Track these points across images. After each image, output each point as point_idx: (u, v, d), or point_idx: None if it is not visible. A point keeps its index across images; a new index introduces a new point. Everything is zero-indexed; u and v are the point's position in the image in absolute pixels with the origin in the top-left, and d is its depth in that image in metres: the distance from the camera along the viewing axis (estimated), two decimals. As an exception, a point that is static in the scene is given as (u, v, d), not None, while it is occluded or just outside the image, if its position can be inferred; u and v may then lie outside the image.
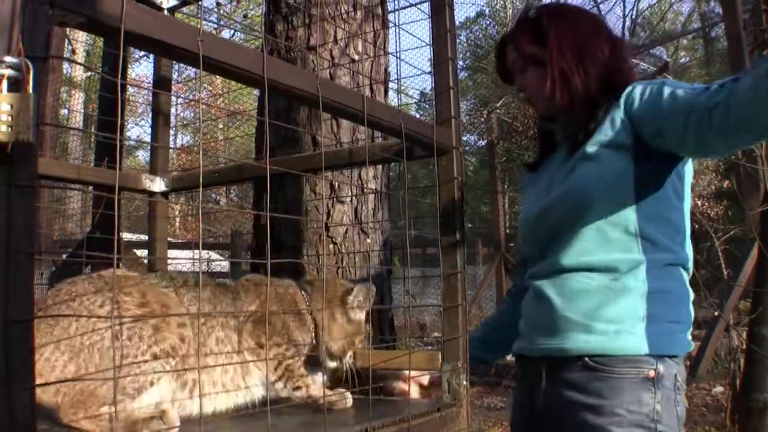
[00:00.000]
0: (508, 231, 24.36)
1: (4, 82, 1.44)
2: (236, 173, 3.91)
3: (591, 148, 2.67)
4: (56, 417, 2.34)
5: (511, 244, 22.76)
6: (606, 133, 2.66)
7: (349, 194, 4.28)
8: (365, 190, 4.34)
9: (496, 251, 20.44)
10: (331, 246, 4.25)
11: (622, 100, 2.67)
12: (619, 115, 2.65)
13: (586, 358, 2.59)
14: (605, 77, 2.75)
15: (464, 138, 30.08)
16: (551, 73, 2.79)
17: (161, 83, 4.16)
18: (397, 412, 2.65)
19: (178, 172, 4.31)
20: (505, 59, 3.10)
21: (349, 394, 2.82)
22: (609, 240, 2.62)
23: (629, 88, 2.68)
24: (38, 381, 2.26)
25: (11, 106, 1.43)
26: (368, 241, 4.38)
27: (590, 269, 2.64)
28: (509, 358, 9.09)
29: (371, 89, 4.49)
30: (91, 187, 4.68)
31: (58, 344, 2.33)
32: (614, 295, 2.58)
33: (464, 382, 2.93)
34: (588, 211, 2.62)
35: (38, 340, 2.31)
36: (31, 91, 1.46)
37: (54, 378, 2.31)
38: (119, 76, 4.25)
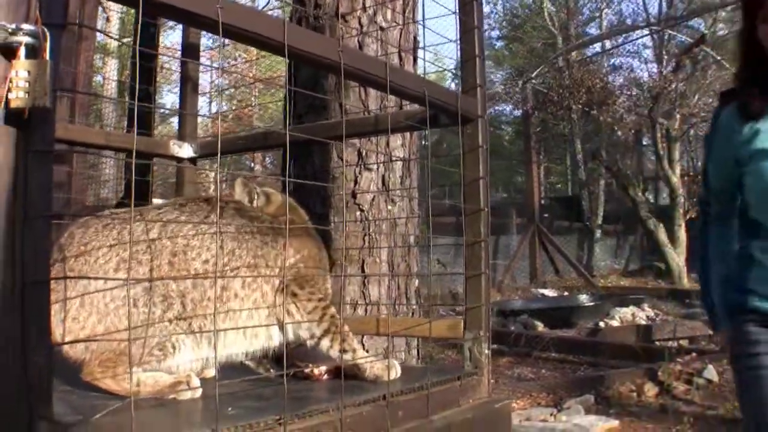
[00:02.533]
0: (543, 202, 24.24)
1: (22, 49, 1.46)
2: (263, 140, 3.92)
3: None
4: (81, 374, 2.38)
5: (545, 215, 22.64)
6: None
7: (377, 162, 4.28)
8: (392, 158, 4.34)
9: (530, 222, 20.32)
10: (358, 213, 4.26)
11: None
12: None
13: None
14: None
15: (499, 108, 29.90)
16: None
17: (189, 50, 4.18)
18: (416, 379, 2.66)
19: (207, 139, 4.32)
20: None
21: (397, 363, 2.80)
22: None
23: None
24: (68, 338, 2.33)
25: (28, 72, 1.45)
26: (395, 209, 4.38)
27: None
28: (541, 328, 9.02)
29: (400, 57, 4.47)
30: (123, 154, 4.72)
31: (83, 302, 2.37)
32: None
33: (486, 351, 2.94)
34: None
35: (58, 295, 2.34)
36: (48, 57, 1.47)
37: (84, 336, 2.37)
38: (136, 43, 4.26)
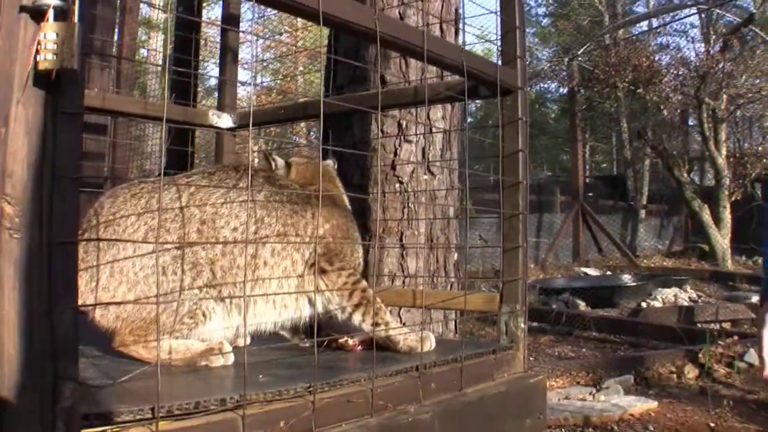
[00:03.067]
0: (587, 180, 24.08)
1: (51, 12, 1.45)
2: (302, 110, 3.91)
3: None
4: (113, 343, 2.40)
5: (590, 194, 22.50)
6: None
7: (417, 134, 4.25)
8: (433, 129, 4.31)
9: (574, 200, 20.19)
10: (397, 185, 4.24)
11: None
12: None
13: None
14: None
15: (545, 85, 29.76)
16: None
17: (229, 21, 4.18)
18: (450, 352, 2.64)
19: (247, 109, 4.32)
20: None
21: (432, 336, 2.78)
22: None
23: None
24: (100, 311, 2.35)
25: (57, 34, 1.44)
26: (434, 181, 4.35)
27: None
28: (582, 307, 9.05)
29: (441, 29, 4.43)
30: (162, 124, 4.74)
31: (113, 271, 2.39)
32: None
33: (522, 325, 2.91)
34: None
35: (88, 264, 2.37)
36: (76, 20, 1.47)
37: (115, 306, 2.38)
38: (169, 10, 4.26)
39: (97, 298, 2.37)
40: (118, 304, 2.37)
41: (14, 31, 1.43)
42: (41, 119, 1.45)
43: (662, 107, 20.17)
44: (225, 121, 4.03)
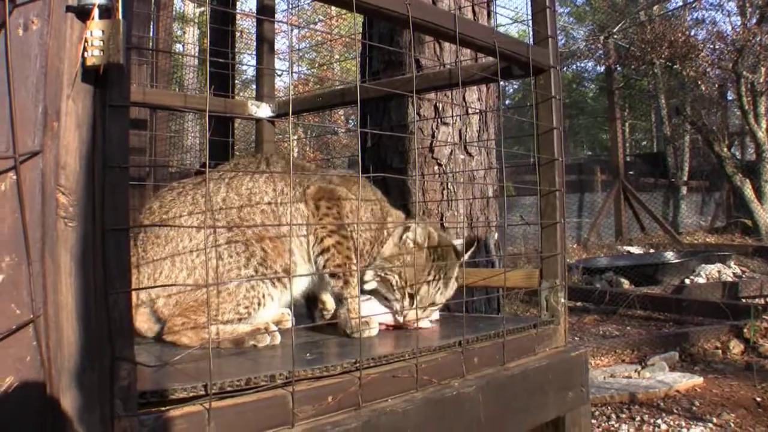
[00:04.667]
0: (628, 159, 23.89)
1: (96, 11, 1.51)
2: (340, 97, 3.96)
3: None
4: (163, 335, 2.49)
5: (631, 172, 22.33)
6: None
7: (453, 116, 4.30)
8: (469, 111, 4.35)
9: (615, 178, 20.06)
10: (436, 167, 4.29)
11: None
12: None
13: None
14: None
15: (582, 64, 29.52)
16: None
17: (264, 12, 4.24)
18: (492, 328, 2.70)
19: (285, 98, 4.38)
20: None
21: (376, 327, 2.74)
22: None
23: None
24: (163, 300, 2.43)
25: (102, 31, 1.50)
26: (473, 162, 4.39)
27: None
28: (626, 285, 9.05)
29: (473, 12, 4.47)
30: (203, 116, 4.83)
31: (174, 262, 2.49)
32: None
33: (562, 300, 2.96)
34: None
35: (152, 255, 2.50)
36: (120, 17, 1.53)
37: (176, 293, 2.49)
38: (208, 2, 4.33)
39: (164, 289, 2.49)
40: (166, 286, 2.46)
41: (62, 30, 1.49)
42: (90, 113, 1.52)
43: (700, 82, 19.98)
44: (264, 110, 4.09)
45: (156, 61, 7.21)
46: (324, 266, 2.69)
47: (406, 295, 2.79)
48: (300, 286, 2.80)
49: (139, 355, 1.65)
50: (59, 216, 1.47)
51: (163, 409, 1.66)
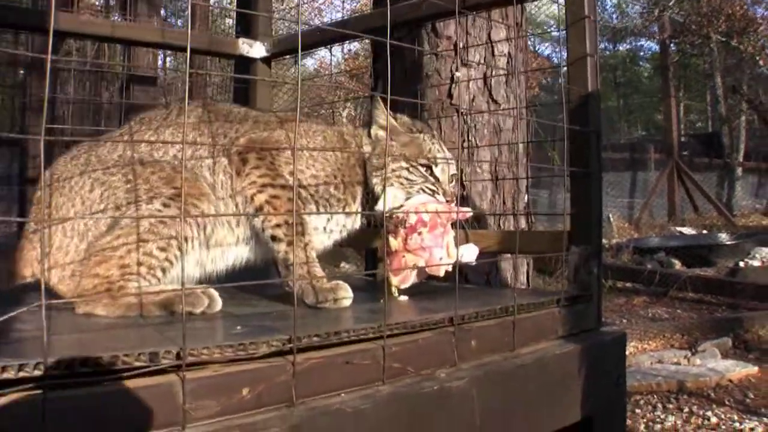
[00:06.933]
0: (682, 139, 23.34)
1: None
2: (341, 28, 3.39)
3: None
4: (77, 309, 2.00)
5: (684, 152, 21.77)
6: None
7: (477, 56, 3.69)
8: (495, 53, 3.73)
9: (668, 157, 19.50)
10: (455, 116, 3.68)
11: None
12: None
13: None
14: None
15: (638, 43, 28.93)
16: None
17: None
18: (498, 302, 2.07)
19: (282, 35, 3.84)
20: None
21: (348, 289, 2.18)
22: None
23: None
24: (56, 272, 2.06)
25: None
26: (499, 112, 3.77)
27: None
28: (678, 266, 8.79)
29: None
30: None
31: (65, 230, 2.15)
32: None
33: (594, 270, 2.34)
34: None
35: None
36: None
37: (70, 260, 2.12)
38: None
39: (53, 261, 2.11)
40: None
41: None
42: None
43: (758, 59, 19.37)
44: (258, 50, 3.54)
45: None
46: (263, 229, 2.25)
47: (431, 175, 2.49)
48: (234, 255, 2.38)
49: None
50: None
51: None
